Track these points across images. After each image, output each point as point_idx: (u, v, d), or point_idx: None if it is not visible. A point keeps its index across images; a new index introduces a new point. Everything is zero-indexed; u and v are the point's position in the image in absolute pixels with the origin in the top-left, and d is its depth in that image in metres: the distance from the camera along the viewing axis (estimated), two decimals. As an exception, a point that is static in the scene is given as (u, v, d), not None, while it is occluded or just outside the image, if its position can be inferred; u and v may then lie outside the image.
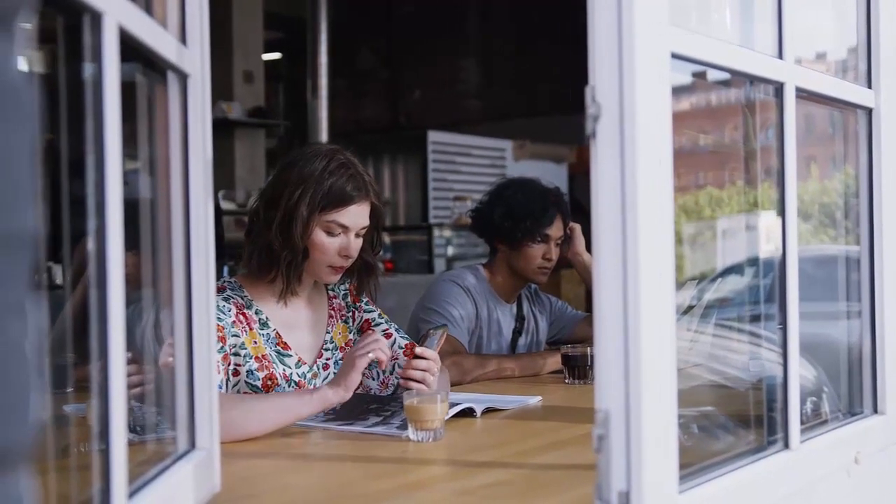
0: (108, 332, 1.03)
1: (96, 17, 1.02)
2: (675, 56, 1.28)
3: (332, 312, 2.43)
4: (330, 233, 2.24)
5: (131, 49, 1.14)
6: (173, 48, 1.32)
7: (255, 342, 2.24)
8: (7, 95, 0.58)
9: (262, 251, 2.25)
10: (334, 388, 2.02)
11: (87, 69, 1.04)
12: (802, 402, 1.65)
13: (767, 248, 1.96)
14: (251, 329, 2.24)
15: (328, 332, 2.40)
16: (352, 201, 2.24)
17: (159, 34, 1.25)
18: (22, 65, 0.60)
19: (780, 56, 1.56)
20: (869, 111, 1.87)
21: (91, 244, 1.04)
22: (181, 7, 1.39)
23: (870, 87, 1.87)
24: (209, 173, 1.43)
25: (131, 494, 1.11)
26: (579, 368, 2.72)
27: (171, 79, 1.37)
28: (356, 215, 2.26)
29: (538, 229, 3.06)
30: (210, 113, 1.44)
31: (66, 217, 1.10)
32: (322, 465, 1.80)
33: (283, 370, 2.26)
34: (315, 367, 2.34)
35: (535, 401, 2.42)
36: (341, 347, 2.41)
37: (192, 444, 1.41)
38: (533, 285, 3.27)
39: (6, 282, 0.57)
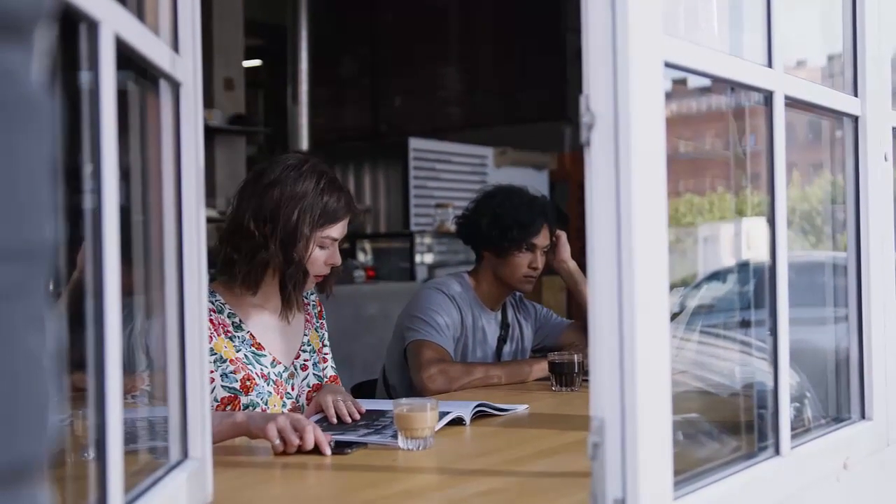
0: (105, 342, 1.03)
1: (93, 26, 1.01)
2: (668, 65, 1.29)
3: (308, 317, 2.51)
4: (322, 246, 2.34)
5: (125, 57, 1.13)
6: (167, 56, 1.31)
7: (226, 346, 2.28)
8: (26, 107, 0.57)
9: (260, 268, 2.30)
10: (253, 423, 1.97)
11: (83, 77, 1.04)
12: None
13: (750, 255, 1.97)
14: (219, 335, 2.28)
15: (305, 335, 2.48)
16: (344, 217, 2.36)
17: (153, 42, 1.24)
18: (40, 76, 0.60)
19: (770, 65, 1.57)
20: (855, 119, 1.89)
21: (87, 253, 1.03)
22: (173, 15, 1.39)
23: (856, 95, 1.88)
24: (201, 181, 1.43)
25: (127, 505, 1.11)
26: (566, 375, 2.72)
27: (164, 87, 1.36)
28: (343, 227, 2.38)
29: (525, 238, 3.06)
30: (202, 121, 1.44)
31: (61, 226, 1.09)
32: (314, 475, 1.79)
33: (261, 369, 2.31)
34: (292, 368, 2.40)
35: (522, 409, 2.42)
36: (317, 351, 2.50)
37: (185, 454, 1.40)
38: (518, 293, 3.27)
39: (26, 294, 0.56)
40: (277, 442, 1.87)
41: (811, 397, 1.94)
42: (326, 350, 2.57)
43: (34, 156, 0.58)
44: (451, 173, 8.48)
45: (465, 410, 2.20)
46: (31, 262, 0.57)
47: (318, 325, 2.55)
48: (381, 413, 2.24)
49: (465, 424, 2.18)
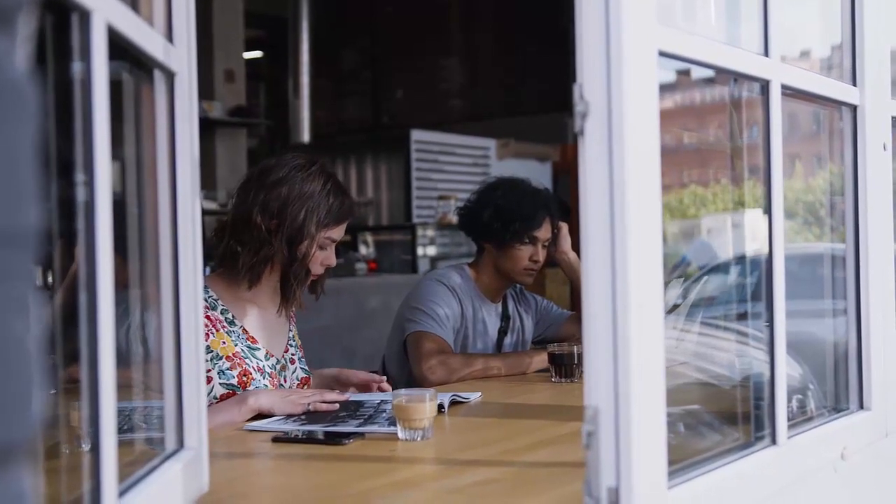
0: (98, 332, 1.03)
1: (85, 15, 1.01)
2: (662, 54, 1.28)
3: (292, 315, 2.56)
4: (322, 247, 2.39)
5: (118, 47, 1.13)
6: (160, 46, 1.31)
7: (224, 342, 2.32)
8: (10, 93, 0.58)
9: (263, 262, 2.34)
10: (264, 397, 2.19)
11: (75, 67, 1.04)
12: (788, 400, 1.66)
13: (752, 247, 1.97)
14: (218, 330, 2.32)
15: (290, 331, 2.54)
16: (347, 219, 2.42)
17: (147, 32, 1.24)
18: (23, 63, 0.60)
19: (766, 54, 1.57)
20: (853, 108, 1.88)
21: (79, 245, 1.03)
22: (167, 4, 1.39)
23: (854, 84, 1.88)
24: (196, 172, 1.43)
25: (121, 494, 1.11)
26: (566, 367, 2.72)
27: (158, 77, 1.36)
28: (343, 230, 2.44)
29: (526, 231, 3.06)
30: (197, 112, 1.44)
31: (52, 217, 1.09)
32: (311, 465, 1.79)
33: (256, 363, 2.35)
34: (283, 360, 2.46)
35: (475, 396, 2.45)
36: (300, 346, 2.56)
37: (181, 444, 1.40)
38: (518, 284, 3.27)
39: (10, 278, 0.57)
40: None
41: (814, 389, 1.94)
42: (298, 350, 2.61)
43: (17, 142, 0.58)
44: (454, 165, 8.48)
45: (443, 398, 2.24)
46: (15, 246, 0.58)
47: (296, 322, 2.62)
48: (360, 404, 2.26)
49: (444, 412, 2.20)
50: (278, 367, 2.42)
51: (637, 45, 1.21)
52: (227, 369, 2.28)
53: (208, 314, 2.31)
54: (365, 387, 2.49)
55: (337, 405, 2.21)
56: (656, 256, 1.25)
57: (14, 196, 0.57)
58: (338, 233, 2.40)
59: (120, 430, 1.17)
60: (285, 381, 2.43)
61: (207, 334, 2.27)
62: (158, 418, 1.43)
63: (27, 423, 0.58)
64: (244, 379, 2.29)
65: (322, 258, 2.39)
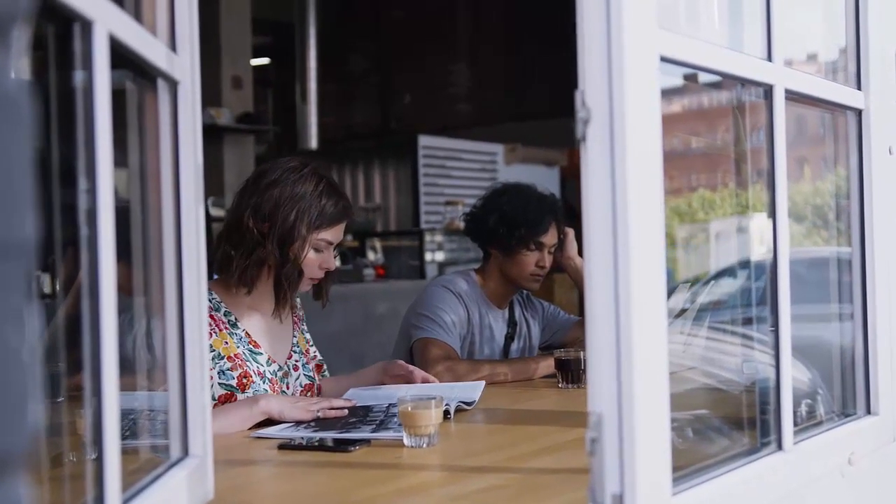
0: (101, 340, 1.03)
1: (87, 25, 1.02)
2: (664, 59, 1.28)
3: (296, 320, 2.57)
4: (317, 249, 2.38)
5: (121, 56, 1.14)
6: (163, 55, 1.31)
7: (227, 343, 2.33)
8: (5, 104, 0.58)
9: (256, 265, 2.34)
10: (274, 402, 2.17)
11: (78, 76, 1.04)
12: (797, 405, 1.66)
13: (760, 251, 1.97)
14: (221, 331, 2.33)
15: (294, 337, 2.53)
16: (342, 221, 2.40)
17: (149, 41, 1.25)
18: (19, 73, 0.60)
19: (770, 58, 1.56)
20: (858, 112, 1.88)
21: (83, 253, 1.04)
22: (171, 14, 1.39)
23: (859, 88, 1.87)
24: (200, 180, 1.43)
25: (125, 502, 1.11)
26: (572, 372, 2.72)
27: (161, 86, 1.37)
28: (339, 232, 2.42)
29: (533, 237, 3.05)
30: (200, 120, 1.44)
31: (56, 226, 1.10)
32: (316, 472, 1.79)
33: (257, 367, 2.36)
34: (286, 367, 2.45)
35: (479, 386, 2.48)
36: (304, 353, 2.55)
37: (186, 452, 1.40)
38: (525, 290, 3.27)
39: (5, 289, 0.57)
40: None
41: (823, 394, 1.94)
42: (314, 350, 2.61)
43: (12, 153, 0.58)
44: (461, 170, 8.48)
45: (451, 399, 2.24)
46: (11, 257, 0.58)
47: (303, 328, 2.61)
48: (369, 409, 2.26)
49: (449, 419, 2.19)
50: (280, 373, 2.42)
51: (638, 51, 1.21)
52: (228, 370, 2.29)
53: (212, 314, 2.31)
54: (407, 378, 2.53)
55: (346, 412, 2.21)
56: (659, 262, 1.25)
57: (10, 207, 0.57)
58: (332, 235, 2.39)
59: (123, 436, 1.18)
60: (288, 388, 2.43)
61: (210, 333, 2.27)
62: (163, 422, 1.44)
63: (23, 433, 0.58)
64: (244, 381, 2.30)
65: (320, 261, 2.38)
